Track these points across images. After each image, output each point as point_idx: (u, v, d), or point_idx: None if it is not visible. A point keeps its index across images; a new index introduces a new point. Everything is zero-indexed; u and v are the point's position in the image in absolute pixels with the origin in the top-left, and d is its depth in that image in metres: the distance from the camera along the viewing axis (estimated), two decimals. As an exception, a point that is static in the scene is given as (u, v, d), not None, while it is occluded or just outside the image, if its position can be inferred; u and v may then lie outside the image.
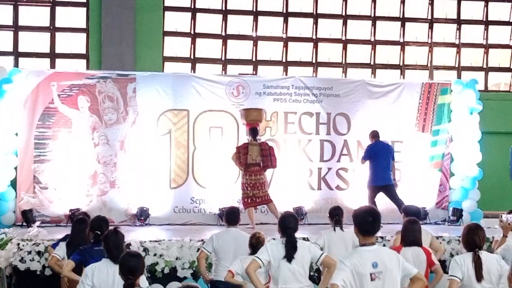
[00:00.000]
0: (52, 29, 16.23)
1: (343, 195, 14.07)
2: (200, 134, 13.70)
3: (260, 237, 7.59)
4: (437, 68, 17.87)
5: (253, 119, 12.89)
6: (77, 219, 8.51)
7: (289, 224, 6.81)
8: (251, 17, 17.14)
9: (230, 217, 8.62)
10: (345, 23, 17.53)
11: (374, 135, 13.36)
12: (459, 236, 11.09)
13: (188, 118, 13.66)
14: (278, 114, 13.96)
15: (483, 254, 6.52)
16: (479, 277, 6.39)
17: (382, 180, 13.05)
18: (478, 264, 6.40)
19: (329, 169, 14.15)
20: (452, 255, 10.92)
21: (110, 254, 6.27)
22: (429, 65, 17.76)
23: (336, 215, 8.78)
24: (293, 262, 6.63)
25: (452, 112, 14.55)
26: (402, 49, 17.84)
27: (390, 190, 13.11)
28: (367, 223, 5.55)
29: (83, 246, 7.47)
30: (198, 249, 9.46)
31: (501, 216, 8.79)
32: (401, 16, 17.87)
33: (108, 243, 6.38)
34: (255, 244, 7.47)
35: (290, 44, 17.30)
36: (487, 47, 18.30)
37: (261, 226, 12.00)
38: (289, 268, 6.62)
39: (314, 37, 17.40)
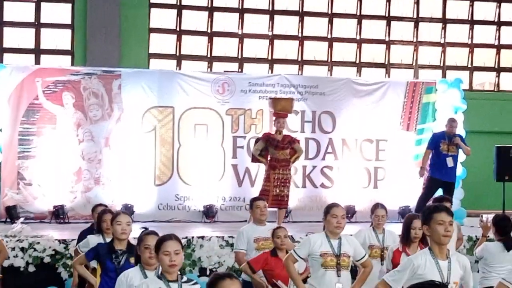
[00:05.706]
0: (37, 25, 16.15)
1: (327, 193, 14.08)
2: (185, 131, 13.67)
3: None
4: (422, 67, 17.93)
5: (281, 109, 12.09)
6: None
7: None
8: (237, 14, 17.14)
9: None
10: (331, 22, 17.56)
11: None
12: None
13: (173, 115, 13.63)
14: (264, 111, 13.94)
15: None
16: None
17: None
18: None
19: (314, 167, 14.16)
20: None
21: None
22: (414, 64, 17.81)
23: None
24: None
25: (436, 111, 14.60)
26: (388, 48, 17.88)
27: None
28: None
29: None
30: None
31: (481, 216, 8.87)
32: (386, 15, 17.91)
33: None
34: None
35: (276, 41, 17.31)
36: (472, 46, 18.38)
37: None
38: None
39: (299, 35, 17.42)
